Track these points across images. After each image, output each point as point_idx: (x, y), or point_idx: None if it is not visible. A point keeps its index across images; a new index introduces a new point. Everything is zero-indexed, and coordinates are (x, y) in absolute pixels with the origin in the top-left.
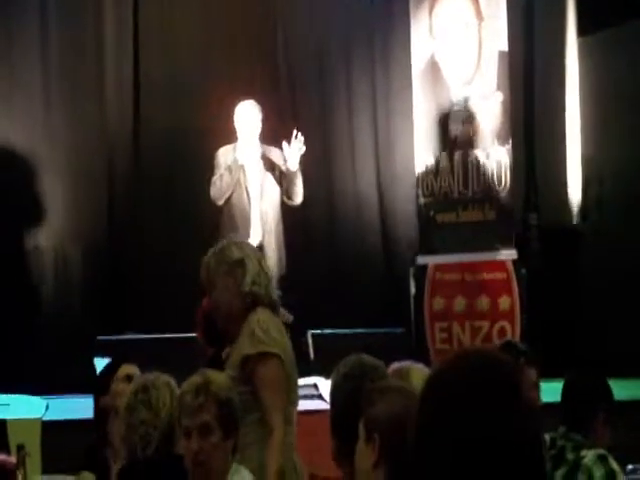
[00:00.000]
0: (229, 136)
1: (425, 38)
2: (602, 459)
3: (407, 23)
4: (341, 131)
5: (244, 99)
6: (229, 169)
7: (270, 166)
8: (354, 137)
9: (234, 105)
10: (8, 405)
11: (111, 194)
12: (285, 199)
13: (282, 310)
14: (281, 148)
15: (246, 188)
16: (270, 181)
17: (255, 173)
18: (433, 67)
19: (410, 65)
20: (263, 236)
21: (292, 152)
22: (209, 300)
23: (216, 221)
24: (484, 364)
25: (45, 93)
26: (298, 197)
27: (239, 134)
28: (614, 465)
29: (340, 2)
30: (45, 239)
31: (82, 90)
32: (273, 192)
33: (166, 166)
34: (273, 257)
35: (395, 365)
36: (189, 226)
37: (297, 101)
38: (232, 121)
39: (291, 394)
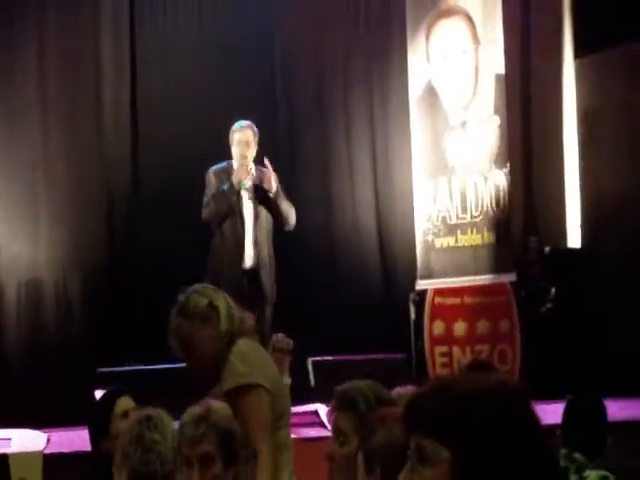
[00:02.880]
0: (229, 157)
1: (422, 64)
2: None
3: (404, 49)
4: (339, 156)
5: (241, 119)
6: (224, 194)
7: (261, 191)
8: (352, 162)
9: (230, 128)
10: (9, 439)
11: (110, 224)
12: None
13: (282, 335)
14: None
15: (240, 213)
16: (263, 206)
17: (248, 196)
18: (430, 92)
19: (407, 91)
20: (257, 263)
21: (268, 179)
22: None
23: (208, 246)
24: (491, 382)
25: (43, 128)
26: (287, 223)
27: (234, 156)
28: None
29: (338, 27)
30: (45, 271)
31: (80, 121)
32: (266, 217)
33: (166, 193)
34: (267, 283)
35: (396, 390)
36: (190, 255)
37: (294, 127)
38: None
39: (282, 418)
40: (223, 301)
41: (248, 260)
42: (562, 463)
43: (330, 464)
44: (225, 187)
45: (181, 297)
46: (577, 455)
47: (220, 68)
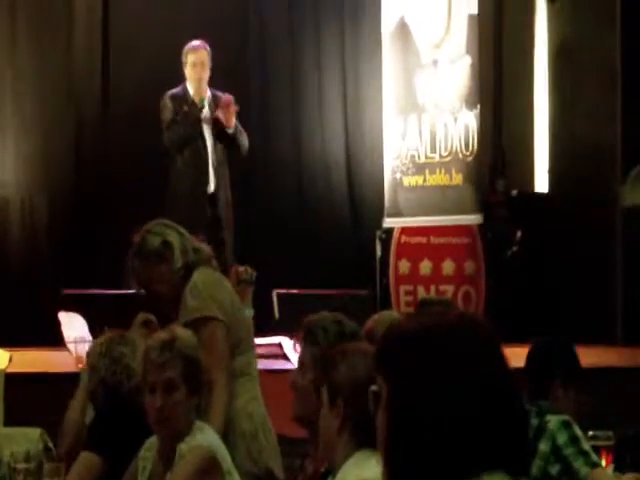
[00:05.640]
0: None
1: None
2: (566, 425)
3: None
4: (310, 91)
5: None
6: (186, 116)
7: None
8: (322, 98)
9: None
10: None
11: (78, 144)
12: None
13: (245, 266)
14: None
15: (202, 136)
16: (220, 129)
17: (207, 119)
18: (403, 29)
19: (380, 26)
20: (218, 186)
21: (226, 114)
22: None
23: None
24: (462, 320)
25: (12, 41)
26: (241, 153)
27: (189, 77)
28: (578, 431)
29: None
30: (11, 190)
31: (49, 38)
32: (223, 140)
33: (134, 115)
34: (224, 208)
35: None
36: (158, 176)
37: (265, 60)
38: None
39: (241, 345)
40: (176, 236)
41: (212, 184)
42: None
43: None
44: (186, 108)
45: (136, 237)
46: (539, 400)
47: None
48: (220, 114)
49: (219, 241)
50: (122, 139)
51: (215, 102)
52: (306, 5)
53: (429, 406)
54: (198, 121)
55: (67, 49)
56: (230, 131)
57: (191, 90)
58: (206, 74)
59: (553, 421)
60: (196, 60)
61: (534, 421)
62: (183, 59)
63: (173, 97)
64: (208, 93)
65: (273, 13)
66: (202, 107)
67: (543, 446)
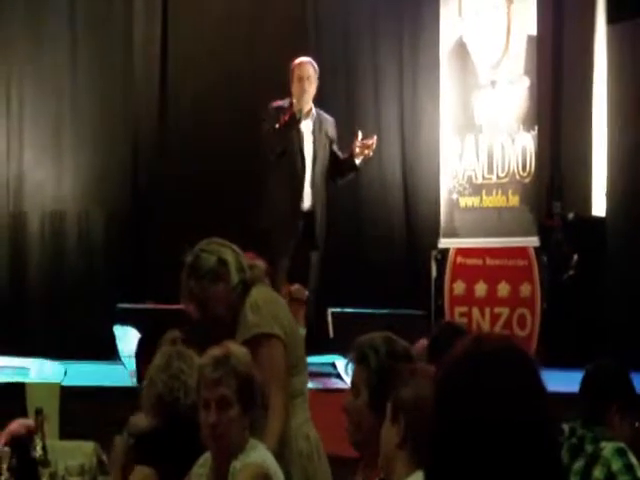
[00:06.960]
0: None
1: (454, 19)
2: (621, 452)
3: (436, 3)
4: (367, 111)
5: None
6: (285, 126)
7: (325, 135)
8: (380, 118)
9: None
10: (27, 369)
11: (136, 161)
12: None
13: (298, 285)
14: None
15: (300, 149)
16: (323, 147)
17: (309, 135)
18: (461, 49)
19: (438, 46)
20: (314, 204)
21: (364, 151)
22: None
23: (265, 177)
24: (500, 347)
25: (72, 58)
26: (343, 181)
27: (294, 92)
28: (633, 459)
29: None
30: (68, 204)
31: (109, 54)
32: (325, 159)
33: (192, 132)
34: (321, 226)
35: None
36: (215, 194)
37: (324, 81)
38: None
39: (298, 364)
40: (231, 253)
41: (307, 201)
42: (580, 432)
43: (345, 416)
44: (286, 120)
45: (189, 258)
46: (594, 425)
47: (252, 18)
48: (359, 145)
49: (305, 260)
50: (179, 155)
51: (320, 120)
52: (365, 26)
53: (463, 435)
54: (296, 133)
55: (125, 65)
56: (358, 162)
57: (295, 103)
58: (311, 88)
59: (608, 448)
60: (302, 74)
61: (588, 447)
62: (290, 76)
63: (276, 107)
64: (313, 110)
65: (330, 34)
66: (300, 119)
67: (597, 473)
